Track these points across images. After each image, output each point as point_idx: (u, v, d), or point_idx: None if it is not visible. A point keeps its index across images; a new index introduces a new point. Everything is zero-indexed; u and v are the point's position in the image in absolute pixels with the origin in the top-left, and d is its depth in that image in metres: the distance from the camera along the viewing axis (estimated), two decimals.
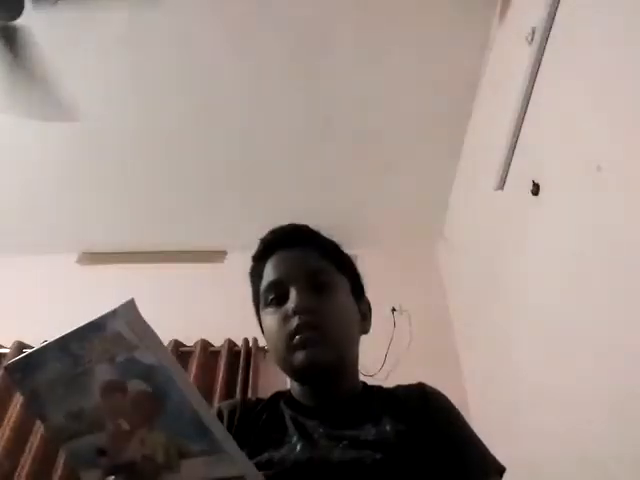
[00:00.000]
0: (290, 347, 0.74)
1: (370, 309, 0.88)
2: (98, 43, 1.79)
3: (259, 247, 0.86)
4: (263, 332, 0.84)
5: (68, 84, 1.79)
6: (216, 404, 2.00)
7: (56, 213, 2.52)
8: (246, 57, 1.87)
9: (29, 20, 1.54)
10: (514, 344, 1.65)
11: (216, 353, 2.24)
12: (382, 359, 2.22)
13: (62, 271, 2.64)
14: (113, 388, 0.49)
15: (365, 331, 0.85)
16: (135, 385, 0.48)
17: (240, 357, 2.19)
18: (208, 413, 0.49)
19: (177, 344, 2.24)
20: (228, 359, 2.19)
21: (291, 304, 0.75)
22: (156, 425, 0.49)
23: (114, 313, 0.46)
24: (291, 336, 0.74)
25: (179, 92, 1.99)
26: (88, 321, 0.48)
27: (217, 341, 2.28)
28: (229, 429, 0.73)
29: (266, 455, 0.67)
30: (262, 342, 1.86)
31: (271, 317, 0.78)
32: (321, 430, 0.71)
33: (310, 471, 0.65)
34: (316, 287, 0.78)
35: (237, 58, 1.87)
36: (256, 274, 0.85)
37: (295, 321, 0.74)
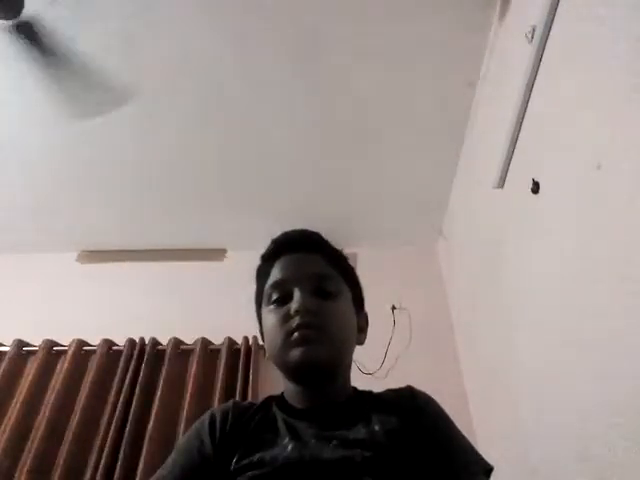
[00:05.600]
0: (288, 343, 0.75)
1: (367, 323, 0.90)
2: (96, 43, 1.79)
3: (269, 247, 0.88)
4: (261, 329, 0.86)
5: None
6: (216, 402, 2.01)
7: (56, 212, 2.52)
8: (246, 57, 1.86)
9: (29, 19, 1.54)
10: (514, 343, 1.65)
11: (216, 351, 2.24)
12: (382, 357, 2.22)
13: (62, 269, 2.64)
14: None
15: (360, 343, 0.87)
16: None
17: (240, 355, 2.19)
18: None
19: (177, 342, 2.24)
20: (228, 357, 2.20)
21: (294, 304, 0.77)
22: None
23: None
24: (290, 333, 0.75)
25: (178, 90, 1.99)
26: None
27: (217, 339, 2.29)
28: (221, 434, 0.75)
29: (258, 455, 0.69)
30: (262, 340, 1.87)
31: (272, 315, 0.80)
32: (312, 431, 0.72)
33: (301, 469, 0.66)
34: (320, 292, 0.80)
35: (237, 58, 1.87)
36: (263, 273, 0.87)
37: (296, 320, 0.76)
